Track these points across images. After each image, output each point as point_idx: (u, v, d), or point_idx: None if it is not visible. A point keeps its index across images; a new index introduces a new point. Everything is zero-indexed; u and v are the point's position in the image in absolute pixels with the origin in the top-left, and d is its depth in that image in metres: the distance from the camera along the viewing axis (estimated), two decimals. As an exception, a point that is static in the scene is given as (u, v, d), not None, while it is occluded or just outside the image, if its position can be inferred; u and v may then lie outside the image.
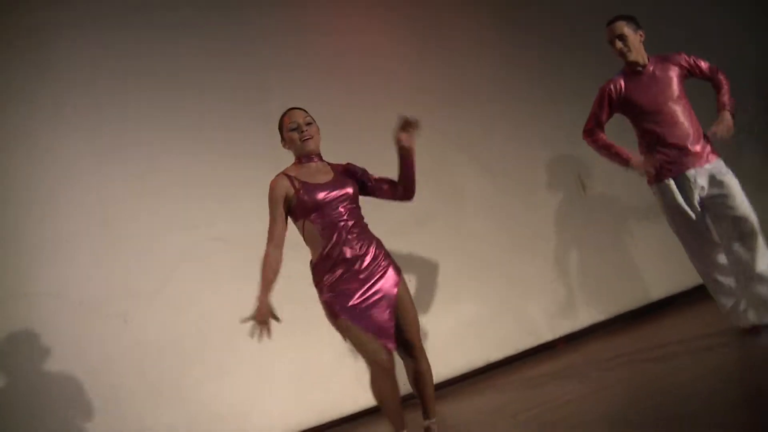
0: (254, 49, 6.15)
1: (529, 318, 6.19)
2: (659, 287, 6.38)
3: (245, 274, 5.71)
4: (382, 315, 3.64)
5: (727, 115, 4.40)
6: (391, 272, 3.72)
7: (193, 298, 5.73)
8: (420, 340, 3.74)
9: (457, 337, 6.04)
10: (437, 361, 5.30)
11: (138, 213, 5.75)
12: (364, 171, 3.88)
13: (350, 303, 3.63)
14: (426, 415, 3.82)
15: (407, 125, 3.68)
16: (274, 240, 3.71)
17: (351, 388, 5.78)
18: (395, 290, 3.69)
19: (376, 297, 3.65)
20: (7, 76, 5.64)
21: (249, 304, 5.56)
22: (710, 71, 4.53)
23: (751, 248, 4.24)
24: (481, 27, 6.67)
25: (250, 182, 5.77)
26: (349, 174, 3.83)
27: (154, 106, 5.90)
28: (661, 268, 6.35)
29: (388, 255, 3.79)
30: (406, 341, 3.71)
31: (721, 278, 4.43)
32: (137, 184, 5.76)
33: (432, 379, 3.80)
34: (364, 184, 3.84)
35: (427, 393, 3.79)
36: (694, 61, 4.51)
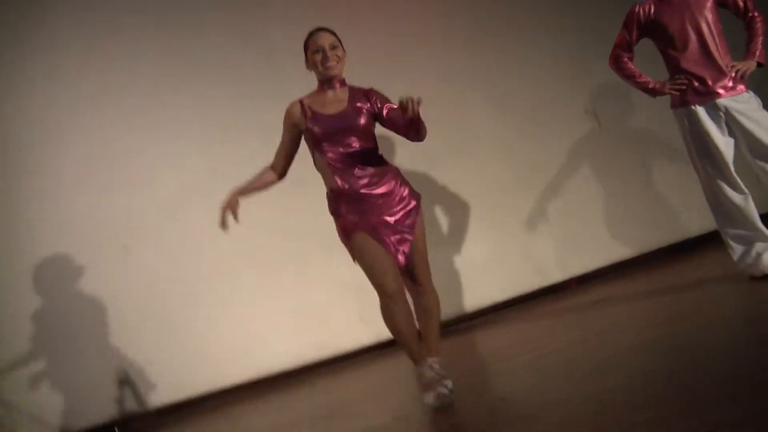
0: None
1: (538, 258, 6.05)
2: (678, 229, 6.18)
3: (248, 212, 5.69)
4: (394, 237, 3.52)
5: (750, 63, 4.18)
6: (410, 203, 3.59)
7: (195, 234, 5.68)
8: (429, 276, 3.62)
9: (464, 276, 5.95)
10: (441, 300, 5.30)
11: (140, 150, 5.72)
12: (383, 100, 3.66)
13: (365, 224, 3.52)
14: (429, 352, 3.66)
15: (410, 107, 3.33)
16: (273, 161, 3.72)
17: (351, 325, 5.75)
18: (411, 220, 3.57)
19: (392, 222, 3.53)
20: (4, 18, 5.57)
21: (251, 241, 5.65)
22: (744, 10, 4.25)
23: None
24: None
25: (254, 119, 5.74)
26: (365, 107, 3.63)
27: (155, 43, 5.80)
28: (679, 209, 6.15)
29: (406, 184, 3.65)
30: (416, 276, 3.59)
31: (733, 224, 4.25)
32: (139, 121, 5.72)
33: (439, 317, 3.70)
34: (380, 115, 3.65)
35: (431, 329, 3.67)
36: None
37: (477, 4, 6.28)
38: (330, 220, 3.69)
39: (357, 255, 3.54)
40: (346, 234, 3.55)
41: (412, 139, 3.61)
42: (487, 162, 6.09)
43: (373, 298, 3.58)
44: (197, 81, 5.81)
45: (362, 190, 3.52)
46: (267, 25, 5.94)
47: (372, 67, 5.23)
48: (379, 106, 3.63)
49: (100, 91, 5.67)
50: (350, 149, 3.55)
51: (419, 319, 3.68)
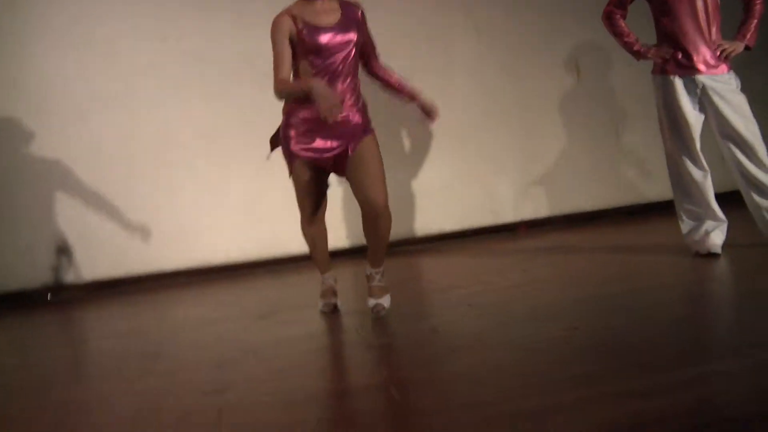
0: None
1: (494, 196, 6.09)
2: (637, 192, 6.25)
3: (215, 92, 5.65)
4: (327, 145, 3.56)
5: (739, 45, 4.17)
6: (359, 126, 3.58)
7: (154, 110, 5.62)
8: (385, 198, 3.56)
9: (417, 200, 5.97)
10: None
11: (106, 18, 5.55)
12: (369, 37, 3.68)
13: (307, 141, 3.56)
14: (372, 263, 3.77)
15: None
16: (281, 75, 3.48)
17: (290, 231, 5.74)
18: (357, 142, 3.55)
19: (333, 144, 3.55)
20: None
21: (216, 121, 5.59)
22: None
23: (757, 164, 4.11)
24: None
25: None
26: (357, 22, 3.58)
27: None
28: (642, 173, 6.22)
29: (364, 113, 3.65)
30: (369, 197, 3.54)
31: (689, 200, 4.30)
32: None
33: (388, 234, 3.69)
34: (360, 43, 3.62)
35: (378, 243, 3.70)
36: None
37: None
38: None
39: (293, 177, 3.70)
40: (290, 156, 3.64)
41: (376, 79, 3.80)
42: (460, 88, 6.03)
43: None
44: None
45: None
46: None
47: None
48: (363, 36, 3.62)
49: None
50: (337, 64, 3.50)
51: (367, 232, 3.69)
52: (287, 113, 3.61)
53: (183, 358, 3.46)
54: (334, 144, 3.54)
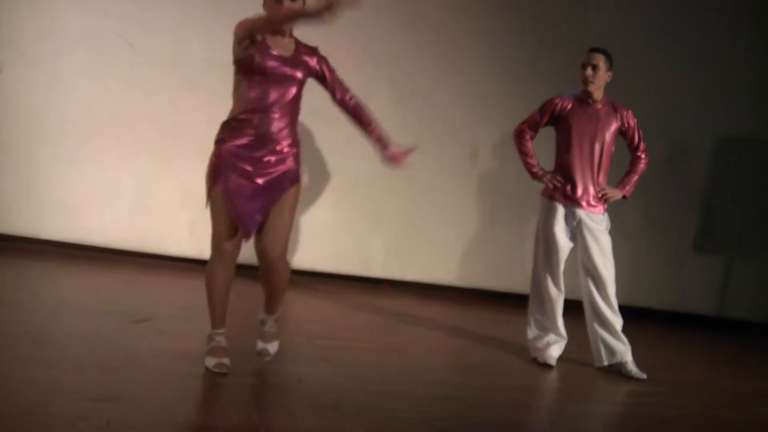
0: None
1: (369, 248, 6.47)
2: (508, 280, 6.66)
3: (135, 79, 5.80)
4: (253, 205, 3.50)
5: (618, 193, 4.80)
6: (288, 174, 3.59)
7: (79, 80, 5.74)
8: (281, 251, 3.57)
9: (300, 235, 6.25)
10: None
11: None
12: (329, 68, 3.71)
13: (233, 177, 3.49)
14: (266, 309, 3.85)
15: None
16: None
17: (180, 232, 5.98)
18: (282, 193, 3.56)
19: (260, 187, 3.52)
20: None
21: (130, 111, 5.71)
22: (636, 148, 4.85)
23: (604, 299, 4.72)
24: None
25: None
26: (309, 62, 3.64)
27: None
28: (518, 263, 6.54)
29: (297, 159, 3.65)
30: (266, 249, 3.56)
31: (541, 312, 4.86)
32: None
33: (283, 285, 3.72)
34: (324, 79, 3.71)
35: (272, 292, 3.75)
36: (634, 128, 4.80)
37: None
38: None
39: (211, 203, 3.53)
40: (212, 177, 3.52)
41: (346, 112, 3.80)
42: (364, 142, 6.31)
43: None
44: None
45: (262, 133, 3.50)
46: None
47: None
48: (322, 68, 3.68)
49: None
50: (277, 94, 3.52)
51: (264, 281, 3.71)
52: (220, 141, 3.55)
53: (66, 351, 3.59)
54: (260, 181, 3.51)
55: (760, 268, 7.24)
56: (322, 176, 6.30)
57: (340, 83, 3.74)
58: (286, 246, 3.63)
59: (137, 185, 5.88)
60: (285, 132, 3.57)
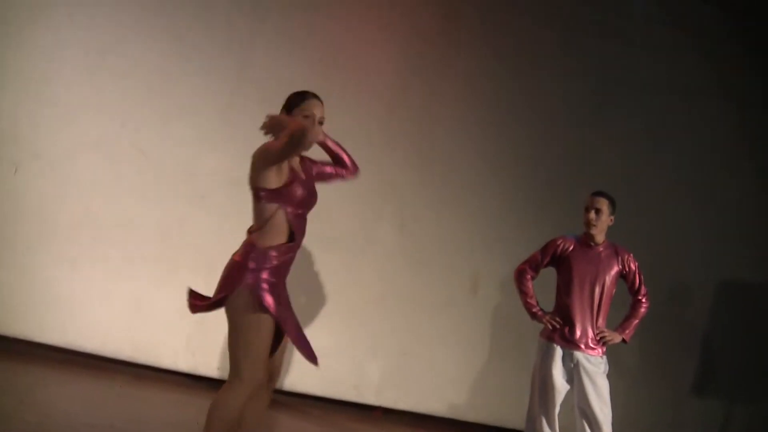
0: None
1: (363, 374, 6.35)
2: (501, 413, 6.46)
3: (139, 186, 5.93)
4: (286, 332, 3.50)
5: (617, 337, 4.78)
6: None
7: (90, 186, 5.88)
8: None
9: (295, 356, 6.05)
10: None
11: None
12: (315, 164, 3.78)
13: (282, 308, 3.46)
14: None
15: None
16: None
17: (176, 344, 5.92)
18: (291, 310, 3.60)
19: (288, 311, 3.56)
20: None
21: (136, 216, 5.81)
22: (637, 291, 4.84)
23: None
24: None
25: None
26: (311, 169, 3.73)
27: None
28: (513, 397, 6.17)
29: None
30: (272, 373, 3.58)
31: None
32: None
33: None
34: (318, 176, 3.78)
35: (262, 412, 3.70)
36: (635, 272, 4.81)
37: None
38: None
39: (253, 331, 3.37)
40: (261, 302, 3.37)
41: (346, 174, 3.85)
42: (371, 263, 6.32)
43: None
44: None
45: (292, 258, 3.54)
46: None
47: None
48: (316, 170, 3.76)
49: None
50: (304, 219, 3.59)
51: (255, 402, 3.57)
52: (280, 250, 3.48)
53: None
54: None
55: (759, 416, 7.10)
56: (320, 300, 6.27)
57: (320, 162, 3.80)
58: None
59: (137, 293, 5.87)
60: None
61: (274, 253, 3.44)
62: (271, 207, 3.47)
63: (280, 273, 3.50)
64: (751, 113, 6.52)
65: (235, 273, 3.42)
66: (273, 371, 3.59)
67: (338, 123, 6.06)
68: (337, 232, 6.11)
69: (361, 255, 6.30)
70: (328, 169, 3.81)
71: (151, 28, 6.01)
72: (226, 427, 3.38)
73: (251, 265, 3.41)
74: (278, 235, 3.48)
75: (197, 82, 6.04)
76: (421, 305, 6.40)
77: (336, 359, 6.22)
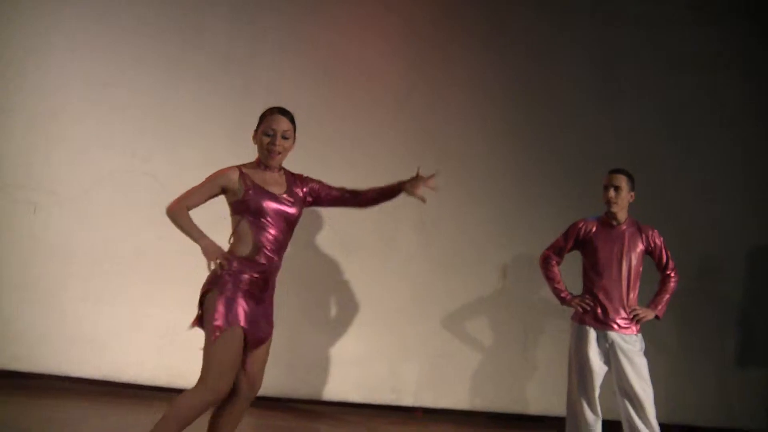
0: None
1: (399, 377, 6.32)
2: (538, 402, 6.45)
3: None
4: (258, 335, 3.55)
5: (650, 313, 4.70)
6: (270, 311, 3.66)
7: (107, 218, 5.91)
8: (259, 384, 3.67)
9: (330, 367, 6.18)
10: (299, 378, 5.53)
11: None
12: (317, 183, 3.81)
13: (250, 317, 3.49)
14: None
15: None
16: (188, 202, 3.62)
17: (158, 360, 5.92)
18: (269, 331, 3.64)
19: (265, 321, 3.59)
20: None
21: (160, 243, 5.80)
22: (665, 267, 4.78)
23: (644, 422, 4.55)
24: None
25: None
26: (301, 192, 3.73)
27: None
28: (541, 385, 6.41)
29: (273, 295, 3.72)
30: (249, 383, 3.61)
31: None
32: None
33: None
34: (318, 196, 3.79)
35: (235, 424, 3.70)
36: (661, 247, 4.75)
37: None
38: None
39: (219, 343, 3.42)
40: (226, 315, 3.45)
41: (361, 205, 3.93)
42: (396, 271, 6.31)
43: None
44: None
45: (264, 270, 3.56)
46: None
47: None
48: (315, 188, 3.78)
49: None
50: (275, 231, 3.59)
51: (226, 418, 3.65)
52: (241, 264, 3.53)
53: None
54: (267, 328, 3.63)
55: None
56: (350, 309, 6.24)
57: (329, 186, 3.84)
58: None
59: (166, 318, 5.86)
60: (277, 264, 3.64)
61: (235, 264, 3.51)
62: (236, 218, 3.63)
63: (255, 285, 3.54)
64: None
65: (210, 278, 3.56)
66: (252, 382, 3.63)
67: (349, 130, 6.21)
68: (359, 240, 6.10)
69: (385, 260, 6.29)
70: (335, 193, 3.84)
71: (152, 56, 6.07)
72: (176, 428, 3.40)
73: (225, 273, 3.51)
74: (243, 244, 3.57)
75: (203, 106, 6.09)
76: (448, 304, 6.39)
77: (371, 365, 6.23)
